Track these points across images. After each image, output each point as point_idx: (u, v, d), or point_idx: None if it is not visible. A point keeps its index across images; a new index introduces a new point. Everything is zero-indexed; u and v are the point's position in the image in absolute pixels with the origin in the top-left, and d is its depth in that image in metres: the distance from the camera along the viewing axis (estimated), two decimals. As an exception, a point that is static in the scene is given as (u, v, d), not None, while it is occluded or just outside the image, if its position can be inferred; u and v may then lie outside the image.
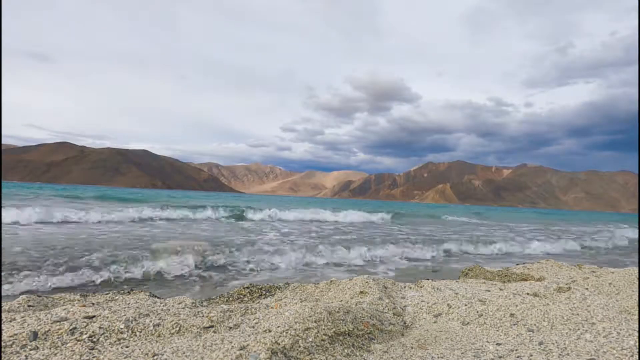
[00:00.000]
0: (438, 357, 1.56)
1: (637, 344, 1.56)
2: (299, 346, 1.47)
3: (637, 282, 2.81)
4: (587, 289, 2.73)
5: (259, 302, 2.24)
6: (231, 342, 1.46)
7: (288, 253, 5.07)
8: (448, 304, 2.23)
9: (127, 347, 1.46)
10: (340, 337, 1.63)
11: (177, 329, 1.64)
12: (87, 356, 1.36)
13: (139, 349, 1.44)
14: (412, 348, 1.67)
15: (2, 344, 1.39)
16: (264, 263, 4.64)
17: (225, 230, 8.52)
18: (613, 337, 1.67)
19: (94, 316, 1.66)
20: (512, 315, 2.01)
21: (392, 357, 1.55)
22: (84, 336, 1.49)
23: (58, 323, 1.56)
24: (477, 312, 2.09)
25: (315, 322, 1.64)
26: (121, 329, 1.57)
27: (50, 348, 1.41)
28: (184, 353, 1.41)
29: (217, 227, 9.02)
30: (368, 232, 9.93)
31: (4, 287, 3.03)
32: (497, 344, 1.69)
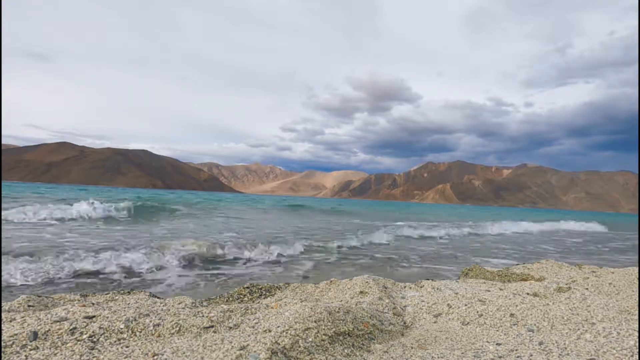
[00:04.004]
0: (438, 357, 1.55)
1: (637, 344, 1.56)
2: (299, 346, 1.47)
3: (637, 282, 2.81)
4: (587, 289, 2.73)
5: (259, 302, 2.24)
6: (231, 342, 1.46)
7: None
8: (448, 304, 2.23)
9: (127, 347, 1.46)
10: (340, 337, 1.63)
11: (177, 329, 1.64)
12: (87, 356, 1.36)
13: (139, 349, 1.44)
14: (412, 348, 1.67)
15: (2, 344, 1.39)
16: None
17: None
18: (613, 337, 1.67)
19: (94, 316, 1.66)
20: (512, 315, 2.01)
21: (392, 357, 1.55)
22: (84, 336, 1.49)
23: (58, 323, 1.56)
24: (477, 312, 2.09)
25: (315, 322, 1.64)
26: (121, 329, 1.57)
27: (50, 348, 1.41)
28: (184, 353, 1.41)
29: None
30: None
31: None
32: (497, 344, 1.69)
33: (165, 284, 3.56)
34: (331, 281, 2.76)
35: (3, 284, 3.13)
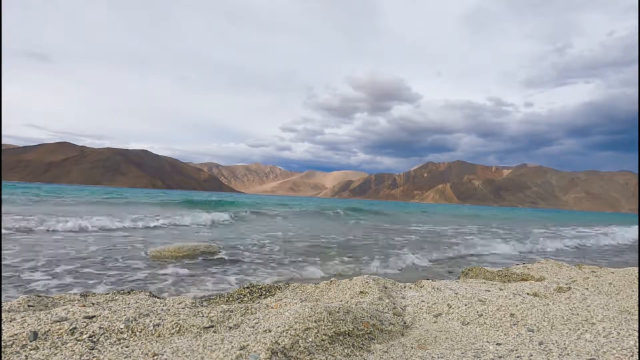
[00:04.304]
0: (438, 357, 1.55)
1: (637, 344, 1.56)
2: (299, 346, 1.47)
3: (637, 282, 2.81)
4: (587, 289, 2.73)
5: (259, 302, 2.24)
6: (231, 342, 1.46)
7: None
8: (448, 304, 2.23)
9: (127, 347, 1.46)
10: (340, 337, 1.63)
11: (177, 329, 1.64)
12: (87, 356, 1.36)
13: (139, 349, 1.44)
14: (412, 348, 1.67)
15: (2, 344, 1.39)
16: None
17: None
18: (613, 337, 1.67)
19: (94, 316, 1.66)
20: (512, 315, 2.01)
21: (392, 357, 1.55)
22: (84, 336, 1.49)
23: (58, 323, 1.56)
24: (477, 312, 2.09)
25: (315, 322, 1.64)
26: (121, 329, 1.57)
27: (50, 348, 1.41)
28: (184, 353, 1.41)
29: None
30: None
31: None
32: (497, 344, 1.69)
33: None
34: (331, 281, 2.76)
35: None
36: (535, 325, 1.89)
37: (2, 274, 3.48)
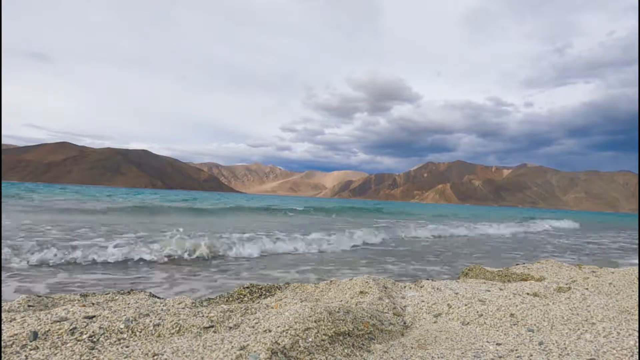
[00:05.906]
0: (438, 357, 1.55)
1: (637, 344, 1.56)
2: (299, 346, 1.47)
3: (637, 282, 2.81)
4: (587, 289, 2.73)
5: (259, 302, 2.24)
6: (231, 342, 1.46)
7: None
8: (448, 304, 2.23)
9: (127, 347, 1.46)
10: (340, 337, 1.63)
11: (177, 329, 1.64)
12: (87, 356, 1.36)
13: (139, 349, 1.44)
14: (412, 348, 1.67)
15: (2, 344, 1.39)
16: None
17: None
18: (613, 337, 1.67)
19: (94, 316, 1.66)
20: (512, 315, 2.01)
21: (392, 357, 1.55)
22: (84, 336, 1.49)
23: (58, 323, 1.56)
24: (477, 312, 2.09)
25: (315, 322, 1.64)
26: (121, 329, 1.57)
27: (50, 348, 1.41)
28: (184, 353, 1.41)
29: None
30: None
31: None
32: (497, 344, 1.69)
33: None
34: (331, 281, 2.76)
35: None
36: (535, 325, 1.89)
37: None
